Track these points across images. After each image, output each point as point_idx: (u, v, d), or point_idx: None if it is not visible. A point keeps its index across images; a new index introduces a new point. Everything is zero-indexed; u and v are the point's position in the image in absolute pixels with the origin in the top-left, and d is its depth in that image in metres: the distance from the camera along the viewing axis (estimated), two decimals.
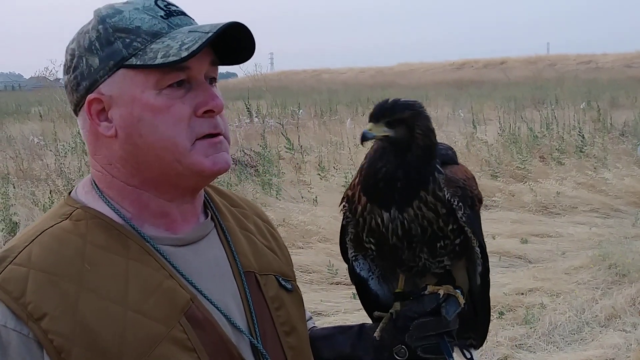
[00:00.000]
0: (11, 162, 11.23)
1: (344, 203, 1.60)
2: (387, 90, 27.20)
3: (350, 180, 1.62)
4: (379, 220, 1.52)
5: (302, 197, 9.58)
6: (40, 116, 19.14)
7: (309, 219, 8.03)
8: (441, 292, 1.55)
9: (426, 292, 1.57)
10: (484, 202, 7.14)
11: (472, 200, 1.55)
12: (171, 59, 1.20)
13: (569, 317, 5.79)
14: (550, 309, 5.96)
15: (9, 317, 1.13)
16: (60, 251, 1.20)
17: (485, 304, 1.70)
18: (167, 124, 1.24)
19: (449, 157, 1.59)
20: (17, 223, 8.32)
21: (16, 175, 10.76)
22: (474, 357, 1.68)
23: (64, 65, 1.28)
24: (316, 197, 9.02)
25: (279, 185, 9.91)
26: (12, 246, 1.21)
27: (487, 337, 5.26)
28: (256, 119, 16.08)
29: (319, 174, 10.13)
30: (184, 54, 1.19)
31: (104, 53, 1.24)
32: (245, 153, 11.64)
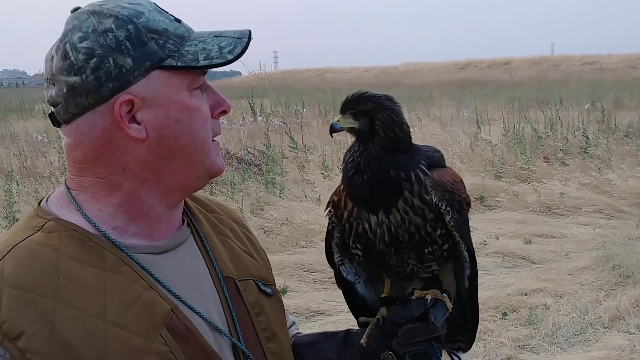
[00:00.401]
0: (15, 159, 11.23)
1: (329, 208, 1.59)
2: (391, 90, 27.19)
3: None
4: (366, 226, 1.50)
5: (306, 196, 9.58)
6: (44, 113, 19.10)
7: (312, 218, 8.01)
8: (429, 297, 1.53)
9: (413, 297, 1.55)
10: (487, 202, 7.12)
11: (460, 204, 1.53)
12: (216, 61, 1.23)
13: (572, 318, 5.77)
14: (554, 309, 5.95)
15: None
16: (34, 266, 1.15)
17: (473, 307, 1.68)
18: (199, 124, 1.27)
19: (436, 160, 1.57)
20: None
21: (20, 172, 10.77)
22: None
23: (71, 65, 1.19)
24: (320, 197, 9.01)
25: (283, 184, 9.90)
26: None
27: (490, 338, 5.25)
28: (260, 118, 16.09)
29: (323, 173, 10.12)
30: (230, 56, 1.24)
31: (137, 53, 1.20)
32: (248, 152, 11.63)
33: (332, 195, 1.60)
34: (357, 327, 1.64)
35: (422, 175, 1.48)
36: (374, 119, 1.50)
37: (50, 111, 1.26)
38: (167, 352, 1.18)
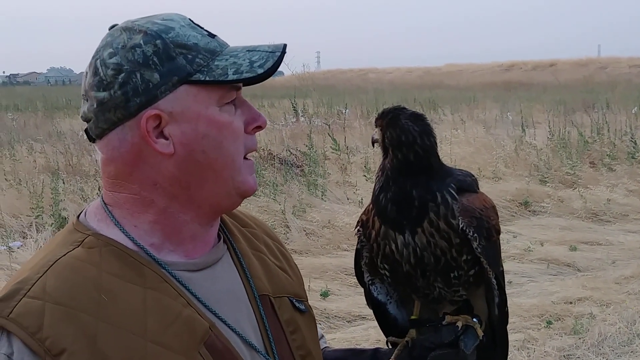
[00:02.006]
0: (61, 157, 11.43)
1: (358, 227, 1.59)
2: (435, 91, 27.03)
3: None
4: (393, 247, 1.50)
5: (348, 199, 9.55)
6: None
7: (354, 220, 7.87)
8: (459, 323, 1.53)
9: (444, 323, 1.55)
10: (532, 207, 7.03)
11: (489, 231, 1.52)
12: (245, 75, 1.21)
13: (619, 328, 5.64)
14: (600, 319, 5.82)
15: (25, 353, 1.09)
16: (76, 282, 1.15)
17: (503, 335, 1.67)
18: (229, 140, 1.24)
19: (467, 184, 1.55)
20: (66, 218, 8.47)
21: (65, 170, 10.95)
22: None
23: (100, 81, 1.20)
24: (362, 199, 8.97)
25: (325, 186, 9.89)
26: (24, 278, 1.15)
27: (534, 347, 5.16)
28: (302, 118, 16.10)
29: (365, 176, 10.07)
30: (260, 70, 1.22)
31: (164, 68, 1.20)
32: (291, 153, 11.66)
33: (362, 214, 1.60)
34: (386, 347, 1.63)
35: (449, 199, 1.47)
36: (385, 136, 1.51)
37: (85, 127, 1.27)
38: None
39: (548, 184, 10.52)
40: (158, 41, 1.20)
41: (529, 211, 9.55)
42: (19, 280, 1.15)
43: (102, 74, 1.20)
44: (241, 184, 1.27)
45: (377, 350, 1.61)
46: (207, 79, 1.21)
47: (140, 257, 1.22)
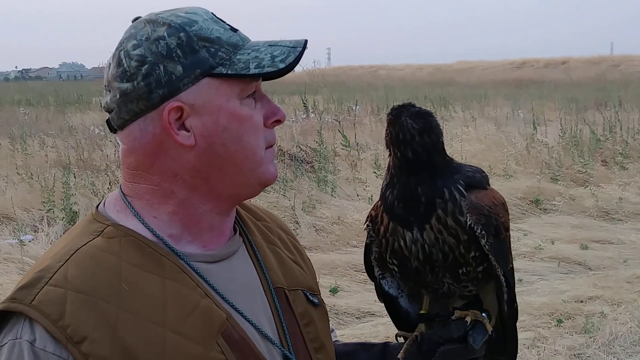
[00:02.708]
0: (72, 152, 11.48)
1: (367, 222, 1.60)
2: (446, 88, 26.97)
3: None
4: (402, 243, 1.50)
5: (358, 195, 9.54)
6: (101, 106, 19.47)
7: (364, 217, 7.88)
8: (468, 318, 1.53)
9: (453, 318, 1.55)
10: (543, 206, 7.00)
11: (497, 228, 1.51)
12: (267, 69, 1.23)
13: (630, 327, 5.61)
14: (611, 318, 5.79)
15: (47, 340, 1.10)
16: (97, 271, 1.16)
17: (513, 331, 1.66)
18: (250, 133, 1.25)
19: (477, 181, 1.54)
20: (77, 212, 8.51)
21: (77, 165, 10.99)
22: None
23: (124, 72, 1.21)
24: (372, 196, 8.95)
25: (335, 183, 9.88)
26: (45, 266, 1.17)
27: (545, 346, 5.12)
28: (312, 115, 16.10)
29: (375, 172, 10.04)
30: (281, 65, 1.23)
31: (187, 61, 1.21)
32: (301, 149, 11.65)
33: (371, 209, 1.61)
34: (395, 341, 1.63)
35: (457, 195, 1.47)
36: (386, 133, 1.52)
37: (107, 117, 1.28)
38: None
39: (559, 182, 10.47)
40: (182, 34, 1.21)
41: (540, 209, 9.50)
42: (41, 269, 1.17)
43: (125, 65, 1.21)
44: (262, 174, 1.29)
45: (386, 344, 1.61)
46: (229, 72, 1.21)
47: (159, 247, 1.24)
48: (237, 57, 1.23)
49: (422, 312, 1.64)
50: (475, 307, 1.58)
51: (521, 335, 5.71)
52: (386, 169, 1.55)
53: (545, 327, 5.64)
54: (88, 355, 1.09)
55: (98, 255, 1.19)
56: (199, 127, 1.22)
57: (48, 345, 1.09)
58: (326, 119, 15.06)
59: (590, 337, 5.49)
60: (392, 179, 1.51)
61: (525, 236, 8.14)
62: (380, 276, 1.67)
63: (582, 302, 6.22)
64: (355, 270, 6.81)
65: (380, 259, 1.61)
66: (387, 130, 1.53)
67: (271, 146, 1.31)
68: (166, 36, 1.21)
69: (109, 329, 1.11)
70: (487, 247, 1.48)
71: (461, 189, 1.48)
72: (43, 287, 1.13)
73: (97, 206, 1.32)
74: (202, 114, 1.22)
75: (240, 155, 1.25)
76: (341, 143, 11.01)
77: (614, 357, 5.22)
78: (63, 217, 8.39)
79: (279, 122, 1.30)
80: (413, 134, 1.48)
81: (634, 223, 9.02)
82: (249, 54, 1.24)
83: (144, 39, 1.21)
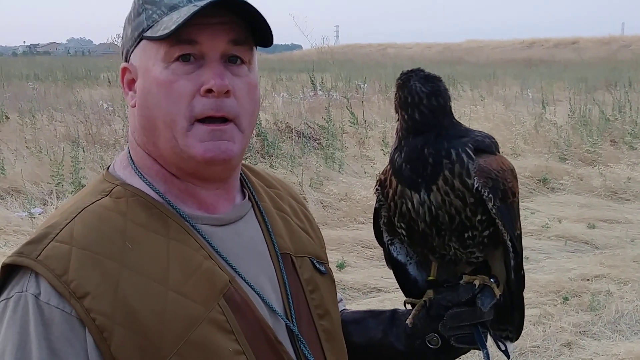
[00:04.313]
0: (81, 127, 11.49)
1: (377, 186, 1.60)
2: (454, 67, 26.82)
3: None
4: (409, 205, 1.50)
5: (365, 172, 9.54)
6: (109, 82, 19.53)
7: (371, 194, 7.93)
8: (477, 282, 1.53)
9: (462, 282, 1.55)
10: (551, 185, 6.99)
11: (505, 192, 1.50)
12: (163, 32, 1.19)
13: (636, 306, 5.64)
14: (617, 296, 5.81)
15: (52, 294, 1.12)
16: (102, 229, 1.18)
17: (520, 299, 1.66)
18: (169, 99, 1.22)
19: (486, 145, 1.53)
20: (85, 186, 8.54)
21: (85, 139, 11.01)
22: (508, 349, 1.66)
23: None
24: (379, 173, 8.97)
25: (342, 160, 9.89)
26: (53, 223, 1.19)
27: (551, 323, 5.15)
28: (320, 92, 16.05)
29: (382, 150, 10.03)
30: (173, 27, 1.18)
31: (134, 23, 1.26)
32: (309, 126, 11.64)
33: (380, 174, 1.61)
34: (404, 308, 1.63)
35: (465, 157, 1.47)
36: (395, 97, 1.52)
37: None
38: (223, 322, 1.20)
39: (567, 162, 10.45)
40: None
41: (548, 188, 9.50)
42: (48, 225, 1.19)
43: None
44: (186, 148, 1.23)
45: (395, 311, 1.62)
46: (149, 34, 1.23)
47: (165, 208, 1.25)
48: (164, 18, 1.22)
49: (430, 278, 1.63)
50: (483, 274, 1.58)
51: (527, 312, 5.72)
52: (395, 133, 1.56)
53: (551, 305, 5.66)
54: (90, 311, 1.11)
55: (104, 214, 1.21)
56: (138, 88, 1.26)
57: (52, 299, 1.11)
58: (334, 97, 14.99)
59: (596, 315, 5.52)
60: (400, 142, 1.51)
61: (533, 215, 8.14)
62: (389, 242, 1.66)
63: (588, 280, 6.24)
64: (362, 247, 6.84)
65: (389, 223, 1.61)
66: (396, 94, 1.53)
67: (216, 122, 1.23)
68: (135, 1, 1.28)
69: (111, 286, 1.13)
70: (494, 210, 1.48)
71: (469, 151, 1.48)
72: (49, 242, 1.15)
73: (108, 167, 1.34)
74: (139, 76, 1.26)
75: (160, 122, 1.23)
76: (349, 120, 11.00)
77: (619, 334, 5.25)
78: (72, 191, 8.42)
79: (210, 91, 1.21)
80: (421, 96, 1.48)
81: None
82: (172, 15, 1.21)
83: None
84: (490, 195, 1.47)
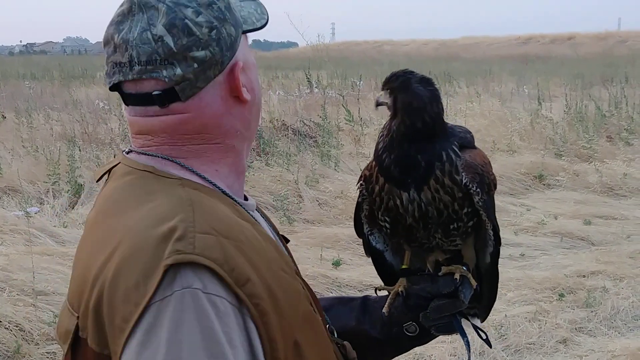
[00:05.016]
0: (77, 126, 11.47)
1: (361, 182, 1.66)
2: (451, 64, 26.81)
3: None
4: (397, 202, 1.56)
5: (361, 170, 9.50)
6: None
7: None
8: (457, 275, 1.59)
9: (440, 274, 1.61)
10: (547, 181, 7.03)
11: (489, 186, 1.59)
12: (258, 23, 1.33)
13: (632, 302, 5.64)
14: (613, 293, 5.82)
15: (217, 285, 1.09)
16: (221, 216, 1.18)
17: (493, 282, 1.75)
18: (258, 81, 1.37)
19: (467, 141, 1.61)
20: (82, 185, 8.54)
21: (82, 138, 10.99)
22: (488, 337, 1.73)
23: (198, 40, 1.20)
24: (362, 168, 8.96)
25: (338, 157, 9.88)
26: (180, 218, 1.13)
27: (546, 319, 5.15)
28: (316, 90, 16.03)
29: None
30: (265, 16, 1.34)
31: (233, 21, 1.26)
32: (304, 123, 11.63)
33: (365, 169, 1.67)
34: (375, 294, 1.70)
35: (453, 156, 1.53)
36: (396, 99, 1.55)
37: (156, 92, 1.23)
38: (307, 296, 1.28)
39: (563, 158, 10.46)
40: None
41: (544, 184, 9.50)
42: (178, 221, 1.13)
43: (198, 34, 1.21)
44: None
45: (365, 298, 1.68)
46: (250, 27, 1.30)
47: (224, 197, 1.27)
48: (242, 13, 1.30)
49: (403, 266, 1.70)
50: (455, 261, 1.65)
51: (523, 309, 5.76)
52: (383, 131, 1.58)
53: (547, 301, 5.67)
54: (251, 296, 1.11)
55: (207, 203, 1.20)
56: (247, 82, 1.29)
57: (219, 290, 1.09)
58: (330, 94, 14.97)
59: (592, 312, 5.52)
60: (392, 144, 1.55)
61: (529, 211, 8.15)
62: (369, 232, 1.73)
63: (584, 276, 6.24)
64: (358, 244, 6.82)
65: (371, 216, 1.67)
66: (395, 96, 1.55)
67: None
68: (215, 0, 1.25)
69: (256, 270, 1.14)
70: (480, 203, 1.56)
71: (456, 149, 1.54)
72: (195, 235, 1.11)
73: (148, 171, 1.26)
74: (246, 70, 1.29)
75: (260, 102, 1.36)
76: (345, 118, 11.00)
77: (615, 331, 5.26)
78: (68, 190, 8.43)
79: None
80: (425, 102, 1.53)
81: (638, 199, 9.02)
82: (244, 8, 1.31)
83: (196, 4, 1.22)
84: (478, 189, 1.55)
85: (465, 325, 1.68)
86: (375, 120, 12.64)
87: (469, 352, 1.70)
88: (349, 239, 7.02)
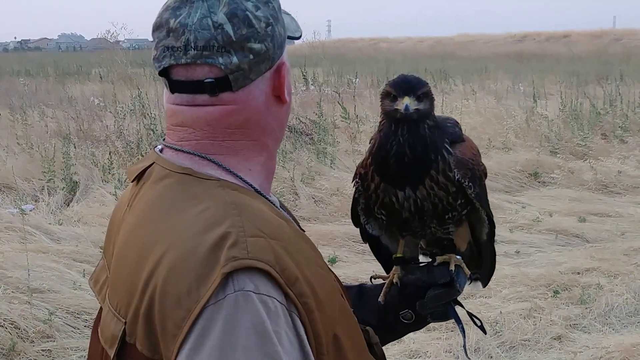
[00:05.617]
0: (72, 123, 11.45)
1: (357, 179, 1.70)
2: (446, 61, 26.82)
3: None
4: (393, 199, 1.62)
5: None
6: (101, 78, 19.41)
7: None
8: (452, 266, 1.65)
9: (435, 264, 1.68)
10: (542, 178, 7.08)
11: (480, 178, 1.67)
12: (297, 33, 1.38)
13: (626, 299, 5.67)
14: (607, 290, 5.84)
15: (269, 286, 1.11)
16: (266, 217, 1.20)
17: (491, 255, 1.85)
18: None
19: (457, 135, 1.68)
20: (77, 182, 8.54)
21: (77, 135, 10.98)
22: (483, 324, 1.79)
23: (256, 33, 1.23)
24: (358, 165, 8.97)
25: (334, 155, 9.89)
26: (230, 224, 1.14)
27: (541, 316, 5.16)
28: (312, 87, 16.02)
29: None
30: (300, 28, 1.39)
31: (283, 23, 1.30)
32: (300, 121, 11.62)
33: (359, 167, 1.70)
34: (369, 282, 1.76)
35: (446, 154, 1.60)
36: (432, 100, 1.61)
37: (208, 79, 1.23)
38: (339, 288, 1.32)
39: (558, 155, 10.48)
40: None
41: (539, 182, 9.53)
42: (227, 227, 1.14)
43: (256, 26, 1.23)
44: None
45: (361, 286, 1.73)
46: (289, 34, 1.34)
47: (263, 197, 1.30)
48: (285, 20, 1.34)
49: (397, 255, 1.75)
50: (449, 250, 1.73)
51: (518, 306, 5.76)
52: (386, 130, 1.62)
53: (541, 298, 5.69)
54: (300, 295, 1.13)
55: (250, 204, 1.21)
56: (287, 84, 1.31)
57: (270, 290, 1.11)
58: (326, 91, 14.97)
59: (587, 308, 5.55)
60: (388, 144, 1.60)
61: (524, 209, 8.17)
62: (365, 222, 1.79)
63: (578, 273, 6.27)
64: (354, 241, 6.85)
65: (367, 209, 1.72)
66: (422, 102, 1.59)
67: None
68: (270, 0, 1.28)
69: (299, 269, 1.16)
70: (473, 195, 1.63)
71: (448, 147, 1.61)
72: (246, 240, 1.13)
73: (185, 173, 1.26)
74: (288, 72, 1.31)
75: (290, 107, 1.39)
76: (341, 115, 10.99)
77: (609, 327, 5.28)
78: (63, 187, 8.43)
79: None
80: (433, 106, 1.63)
81: (632, 196, 9.05)
82: (285, 18, 1.34)
83: (257, 0, 1.25)
84: (470, 184, 1.62)
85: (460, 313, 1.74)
86: (372, 117, 12.64)
87: (464, 338, 1.76)
88: (345, 236, 7.03)
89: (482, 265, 1.85)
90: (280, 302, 1.11)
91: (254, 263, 1.10)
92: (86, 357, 1.18)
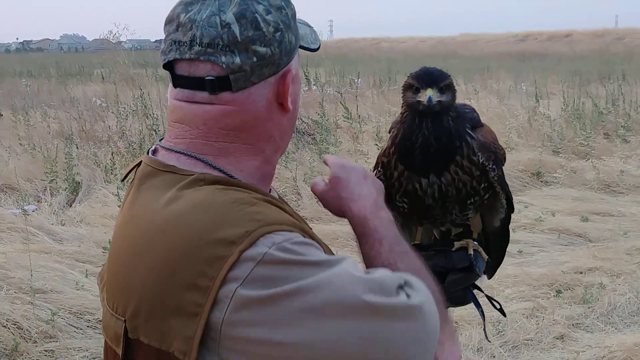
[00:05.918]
0: (74, 123, 11.47)
1: (378, 168, 1.72)
2: (448, 61, 26.80)
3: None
4: (417, 186, 1.64)
5: None
6: (103, 78, 19.43)
7: None
8: (470, 250, 1.68)
9: (453, 249, 1.70)
10: (544, 178, 7.08)
11: (501, 161, 1.71)
12: (314, 44, 1.38)
13: (629, 298, 5.65)
14: (610, 289, 5.83)
15: (291, 233, 1.18)
16: (265, 211, 1.19)
17: (502, 243, 1.89)
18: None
19: (476, 121, 1.71)
20: (79, 183, 8.55)
21: (79, 136, 10.99)
22: (502, 308, 1.81)
23: (263, 36, 1.23)
24: (380, 154, 8.96)
25: (336, 154, 9.88)
26: (261, 218, 1.15)
27: (543, 315, 5.14)
28: (314, 87, 16.03)
29: (377, 144, 10.03)
30: (318, 40, 1.41)
31: (295, 31, 1.30)
32: (302, 121, 11.63)
33: (381, 156, 1.73)
34: None
35: (469, 139, 1.63)
36: (454, 92, 1.64)
37: (209, 77, 1.24)
38: None
39: (561, 155, 10.46)
40: (292, 5, 1.30)
41: (541, 181, 9.51)
42: (259, 223, 1.15)
43: (264, 30, 1.23)
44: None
45: None
46: (304, 45, 1.34)
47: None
48: (300, 30, 1.34)
49: (416, 242, 1.77)
50: (465, 235, 1.75)
51: (520, 305, 5.74)
52: (400, 121, 1.66)
53: (544, 298, 5.68)
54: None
55: (242, 197, 1.22)
56: (293, 93, 1.31)
57: (293, 234, 1.16)
58: (328, 92, 14.98)
59: (589, 308, 5.54)
60: (413, 134, 1.62)
61: (526, 208, 8.16)
62: None
63: (581, 273, 6.26)
64: (356, 241, 6.85)
65: (388, 198, 1.71)
66: (446, 93, 1.63)
67: None
68: (285, 6, 1.27)
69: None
70: (495, 178, 1.67)
71: (470, 132, 1.64)
72: (285, 231, 1.16)
73: (195, 177, 1.25)
74: (294, 82, 1.31)
75: (296, 116, 1.39)
76: (343, 115, 11.00)
77: (612, 327, 5.27)
78: (66, 188, 8.44)
79: None
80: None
81: (634, 195, 9.02)
82: (300, 26, 1.34)
83: (268, 5, 1.25)
84: (494, 166, 1.66)
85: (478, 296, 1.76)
86: (374, 117, 12.66)
87: (484, 320, 1.76)
88: (348, 236, 7.03)
89: (490, 255, 1.85)
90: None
91: (268, 228, 1.13)
92: (88, 357, 1.19)
